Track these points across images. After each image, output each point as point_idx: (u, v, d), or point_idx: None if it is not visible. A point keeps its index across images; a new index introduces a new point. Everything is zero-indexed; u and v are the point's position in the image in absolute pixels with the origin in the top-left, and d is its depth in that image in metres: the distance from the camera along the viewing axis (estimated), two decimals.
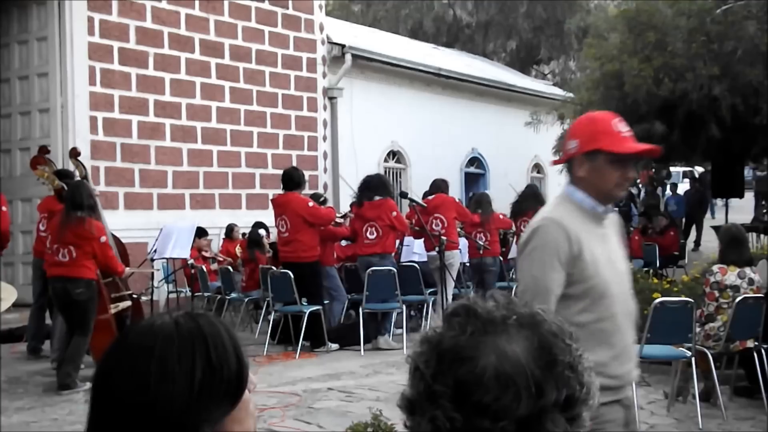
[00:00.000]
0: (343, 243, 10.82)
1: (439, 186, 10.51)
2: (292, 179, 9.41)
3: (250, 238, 11.17)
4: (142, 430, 1.19)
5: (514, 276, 12.44)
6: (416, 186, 13.29)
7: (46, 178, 8.22)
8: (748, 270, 6.37)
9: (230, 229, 12.31)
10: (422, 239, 10.29)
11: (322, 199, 11.18)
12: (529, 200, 12.03)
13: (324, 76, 14.38)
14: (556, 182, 19.33)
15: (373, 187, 9.51)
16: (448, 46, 25.12)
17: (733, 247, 6.43)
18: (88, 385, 6.95)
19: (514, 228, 12.37)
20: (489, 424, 1.06)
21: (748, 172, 20.34)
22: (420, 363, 1.13)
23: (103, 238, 7.30)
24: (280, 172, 9.96)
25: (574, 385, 1.10)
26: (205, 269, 11.39)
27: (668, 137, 12.51)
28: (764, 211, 17.52)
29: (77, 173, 8.60)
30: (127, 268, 7.93)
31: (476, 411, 1.07)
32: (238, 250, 11.98)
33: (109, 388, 1.23)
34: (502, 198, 14.07)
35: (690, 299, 6.16)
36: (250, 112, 13.15)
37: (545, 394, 1.08)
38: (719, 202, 21.27)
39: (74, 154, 8.57)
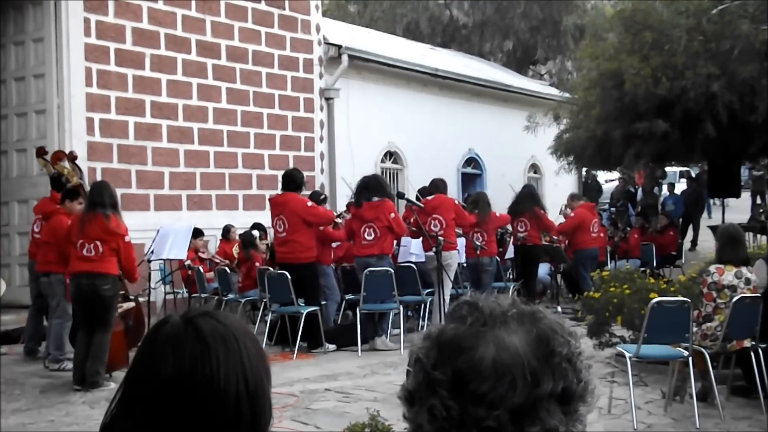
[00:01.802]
0: (333, 244, 10.79)
1: (438, 186, 10.49)
2: (293, 180, 9.40)
3: (244, 239, 11.18)
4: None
5: (510, 276, 12.46)
6: (413, 187, 13.27)
7: (66, 173, 8.25)
8: (744, 270, 6.37)
9: (227, 230, 12.30)
10: (420, 239, 10.29)
11: (322, 197, 11.17)
12: (526, 201, 12.06)
13: (321, 76, 14.38)
14: (552, 183, 19.36)
15: (371, 187, 9.49)
16: (445, 46, 25.13)
17: (730, 246, 6.43)
18: (113, 385, 7.00)
19: (510, 228, 12.40)
20: (484, 413, 1.07)
21: (744, 172, 20.40)
22: (421, 354, 1.14)
23: (127, 238, 7.35)
24: (277, 172, 9.97)
25: (571, 378, 1.11)
26: (201, 270, 11.40)
27: (667, 136, 12.56)
28: (761, 210, 17.53)
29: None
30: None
31: (472, 400, 1.08)
32: (235, 250, 11.97)
33: None
34: (499, 198, 14.09)
35: (687, 299, 6.17)
36: (246, 113, 13.14)
37: (541, 383, 1.08)
38: (716, 201, 21.32)
39: (72, 157, 8.57)
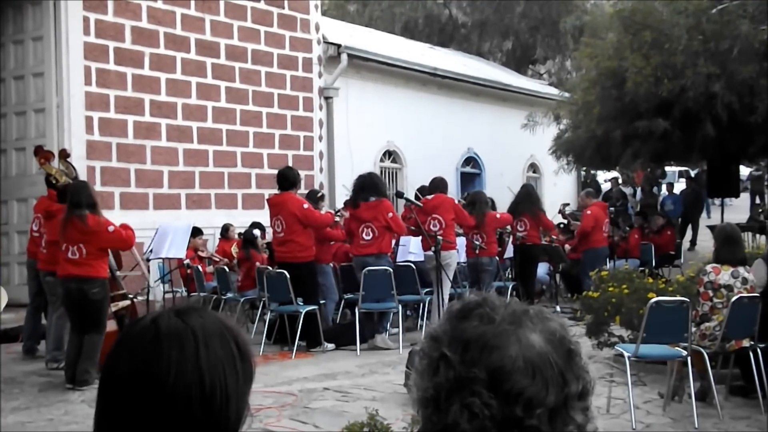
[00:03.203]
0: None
1: (438, 185, 10.47)
2: (286, 179, 9.40)
3: (245, 238, 11.18)
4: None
5: (509, 276, 12.47)
6: (412, 186, 13.27)
7: (54, 173, 8.23)
8: (741, 269, 6.37)
9: (225, 229, 12.30)
10: (419, 238, 10.27)
11: (319, 194, 11.16)
12: (525, 201, 12.05)
13: (320, 75, 14.38)
14: (551, 182, 19.37)
15: (367, 187, 9.49)
16: (444, 45, 25.12)
17: (727, 246, 6.43)
18: None
19: (509, 228, 12.38)
20: (521, 412, 1.07)
21: (745, 172, 20.38)
22: (447, 352, 1.13)
23: (111, 228, 7.33)
24: (276, 172, 9.96)
25: (586, 376, 1.13)
26: (201, 269, 11.39)
27: (666, 136, 12.57)
28: (759, 210, 17.54)
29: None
30: (120, 273, 8.02)
31: (507, 399, 1.08)
32: (234, 249, 11.97)
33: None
34: (498, 198, 14.09)
35: (686, 299, 6.17)
36: (245, 112, 13.14)
37: (568, 383, 1.10)
38: (716, 201, 21.32)
39: (64, 155, 8.55)
